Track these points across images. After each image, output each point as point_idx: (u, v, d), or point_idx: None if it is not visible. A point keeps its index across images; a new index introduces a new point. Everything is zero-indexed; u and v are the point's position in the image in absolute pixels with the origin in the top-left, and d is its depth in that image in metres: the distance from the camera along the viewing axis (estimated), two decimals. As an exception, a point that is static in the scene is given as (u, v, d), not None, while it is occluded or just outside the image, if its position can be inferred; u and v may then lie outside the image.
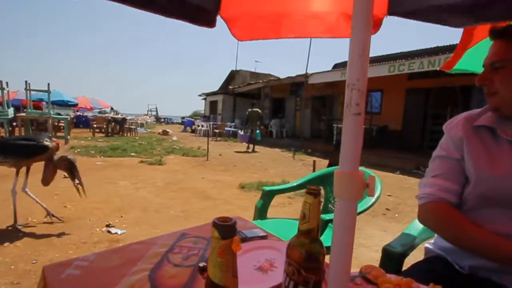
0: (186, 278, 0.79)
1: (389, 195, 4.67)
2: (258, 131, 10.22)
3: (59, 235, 2.56)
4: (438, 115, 9.42)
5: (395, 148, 9.50)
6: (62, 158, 2.62)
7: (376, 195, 1.67)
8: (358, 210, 1.57)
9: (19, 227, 2.65)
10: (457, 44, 1.58)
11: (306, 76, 11.12)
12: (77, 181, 2.62)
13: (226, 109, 19.20)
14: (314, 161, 4.11)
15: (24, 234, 2.54)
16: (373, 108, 11.78)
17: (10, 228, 2.66)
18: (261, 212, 1.97)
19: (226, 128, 15.03)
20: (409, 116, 10.22)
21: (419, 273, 1.01)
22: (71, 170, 2.64)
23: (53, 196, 3.56)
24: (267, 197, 2.02)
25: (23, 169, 2.71)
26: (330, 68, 13.27)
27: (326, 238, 1.49)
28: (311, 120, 14.20)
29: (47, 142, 2.56)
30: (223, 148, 10.31)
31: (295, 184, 2.08)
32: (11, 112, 7.17)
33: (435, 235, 1.08)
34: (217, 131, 14.36)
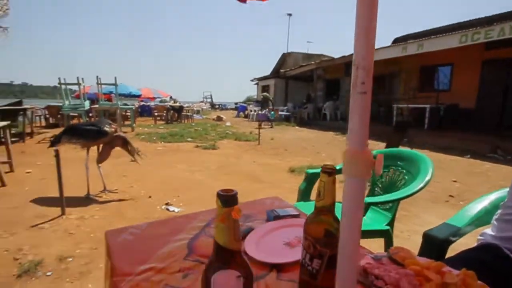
0: (219, 248, 0.87)
1: (454, 181, 4.26)
2: (272, 112, 13.35)
3: (128, 210, 2.94)
4: (523, 90, 8.11)
5: (467, 128, 8.48)
6: (116, 137, 3.07)
7: (426, 179, 1.56)
8: (404, 195, 1.51)
9: (91, 196, 3.22)
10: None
11: (361, 54, 10.44)
12: (137, 151, 3.17)
13: (278, 93, 19.11)
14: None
15: (101, 208, 2.97)
16: (440, 85, 10.61)
17: (85, 196, 3.23)
18: (303, 194, 2.00)
19: (278, 112, 15.02)
20: (485, 92, 8.96)
21: (463, 261, 0.95)
22: (126, 144, 3.13)
23: (122, 177, 4.05)
24: (311, 179, 2.03)
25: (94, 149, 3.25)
26: (389, 44, 12.21)
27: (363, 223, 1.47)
28: (368, 101, 13.37)
29: (107, 128, 3.03)
30: (275, 132, 10.38)
31: (339, 167, 2.04)
32: (87, 104, 8.22)
33: (492, 222, 0.99)
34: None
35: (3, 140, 4.27)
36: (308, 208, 1.83)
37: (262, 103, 13.89)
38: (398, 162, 1.90)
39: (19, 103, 8.73)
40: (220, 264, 0.45)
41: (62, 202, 2.74)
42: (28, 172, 4.18)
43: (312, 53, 20.80)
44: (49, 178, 3.63)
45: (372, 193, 1.98)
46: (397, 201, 1.78)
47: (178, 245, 0.87)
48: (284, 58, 20.97)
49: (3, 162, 3.92)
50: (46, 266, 1.96)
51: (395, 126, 9.18)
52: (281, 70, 18.83)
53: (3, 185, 3.53)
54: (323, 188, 0.64)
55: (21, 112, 6.88)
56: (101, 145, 3.21)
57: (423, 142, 7.67)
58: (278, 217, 1.06)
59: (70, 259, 2.04)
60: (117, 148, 3.23)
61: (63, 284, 1.79)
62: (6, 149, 4.04)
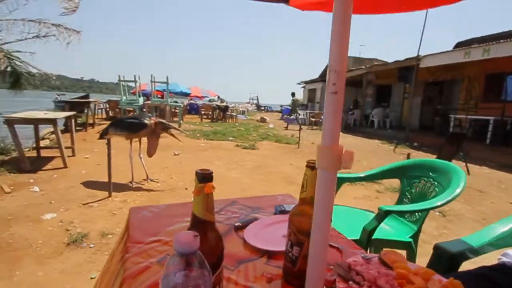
0: (222, 232, 0.95)
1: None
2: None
3: (165, 198, 3.18)
4: None
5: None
6: (155, 124, 3.32)
7: (455, 193, 1.47)
8: (422, 207, 1.45)
9: (134, 184, 3.53)
10: None
11: (417, 59, 9.80)
12: (174, 131, 3.48)
13: (324, 98, 18.74)
14: (408, 154, 3.70)
15: (142, 195, 3.26)
16: (509, 96, 9.48)
17: (129, 183, 3.56)
18: (327, 198, 2.00)
19: (322, 117, 14.72)
20: None
21: (475, 277, 0.91)
22: (166, 127, 3.38)
23: (164, 169, 4.36)
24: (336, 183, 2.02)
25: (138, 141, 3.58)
26: (451, 48, 11.28)
27: (379, 231, 1.44)
28: (421, 110, 12.49)
29: (146, 121, 3.28)
30: (317, 137, 10.22)
31: (366, 174, 2.00)
32: (141, 100, 8.98)
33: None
34: (313, 119, 14.25)
35: (68, 128, 4.89)
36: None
37: (293, 107, 14.23)
38: (430, 173, 1.81)
39: (86, 96, 9.83)
40: (191, 229, 0.53)
41: (110, 186, 3.08)
42: (86, 158, 4.72)
43: (363, 57, 20.03)
44: (103, 164, 4.05)
45: (399, 202, 1.92)
46: (414, 212, 1.71)
47: (185, 225, 0.97)
48: (333, 62, 20.49)
49: (67, 147, 4.49)
50: (90, 239, 2.23)
51: (448, 137, 8.48)
52: (329, 74, 18.40)
53: (65, 166, 4.06)
54: (306, 181, 0.68)
55: (86, 105, 7.76)
56: (144, 138, 3.50)
57: (483, 158, 6.96)
58: (283, 212, 1.11)
59: (111, 236, 2.30)
60: (164, 141, 3.51)
61: (102, 256, 2.03)
62: (71, 136, 4.63)
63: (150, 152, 3.44)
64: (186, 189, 3.53)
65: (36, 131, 4.52)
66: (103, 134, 3.37)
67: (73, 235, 2.23)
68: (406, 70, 12.08)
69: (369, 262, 0.77)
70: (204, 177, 0.53)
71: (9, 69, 5.34)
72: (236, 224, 0.99)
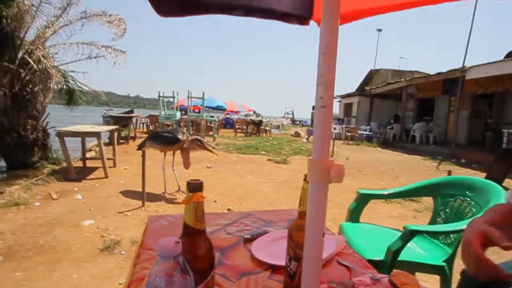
0: (230, 243, 0.97)
1: None
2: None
3: (194, 210, 3.27)
4: None
5: None
6: (191, 140, 3.44)
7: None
8: (453, 228, 1.34)
9: (166, 195, 3.66)
10: None
11: (463, 70, 9.19)
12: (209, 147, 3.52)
13: (362, 112, 18.18)
14: (450, 171, 3.42)
15: (173, 205, 3.38)
16: None
17: (162, 194, 3.71)
18: (352, 215, 1.92)
19: (359, 132, 14.28)
20: None
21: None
22: (201, 143, 3.47)
23: (196, 180, 4.50)
24: (362, 200, 1.94)
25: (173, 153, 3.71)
26: (501, 58, 10.43)
27: (409, 252, 1.35)
28: (468, 124, 11.58)
29: (179, 136, 3.44)
30: (353, 152, 9.91)
31: (393, 191, 1.90)
32: (178, 115, 9.47)
33: None
34: (349, 134, 13.84)
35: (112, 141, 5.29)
36: (353, 229, 1.76)
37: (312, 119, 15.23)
38: (467, 192, 1.67)
39: (130, 111, 10.57)
40: (183, 237, 0.55)
41: (143, 196, 3.24)
42: (125, 169, 5.03)
43: (403, 69, 19.26)
44: (140, 175, 4.31)
45: (432, 222, 1.79)
46: (446, 233, 1.57)
47: (197, 235, 1.00)
48: (371, 75, 19.94)
49: (109, 159, 4.84)
50: (122, 246, 2.35)
51: (499, 153, 7.74)
52: (366, 88, 17.94)
53: (106, 176, 4.36)
54: (303, 195, 0.68)
55: (129, 119, 8.34)
56: (177, 151, 3.65)
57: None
58: (296, 227, 1.09)
59: (140, 243, 2.41)
60: (197, 155, 3.64)
61: (130, 263, 2.13)
62: (113, 148, 4.99)
63: (185, 165, 3.58)
64: (215, 201, 3.60)
65: (83, 143, 4.95)
66: (141, 146, 3.61)
67: (107, 242, 2.38)
68: (451, 82, 11.35)
69: (377, 283, 0.73)
70: (194, 187, 0.55)
71: (64, 87, 5.97)
72: (246, 237, 1.00)
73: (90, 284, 1.88)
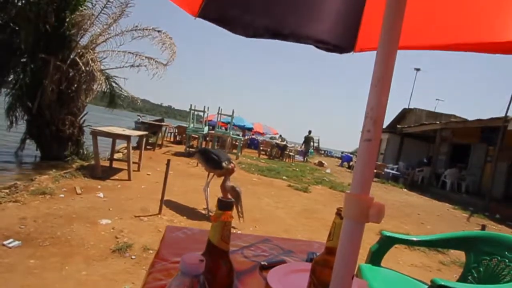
0: (245, 267, 0.93)
1: None
2: (311, 150, 17.42)
3: (208, 227, 3.23)
4: None
5: None
6: (233, 188, 3.29)
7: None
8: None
9: (209, 213, 3.62)
10: None
11: (505, 119, 8.70)
12: (239, 209, 3.27)
13: (390, 149, 17.63)
14: (484, 226, 3.15)
15: (189, 218, 3.38)
16: None
17: (203, 210, 3.74)
18: (373, 257, 1.80)
19: (386, 170, 13.77)
20: None
21: None
22: (237, 199, 3.27)
23: (214, 197, 4.48)
24: (385, 242, 1.82)
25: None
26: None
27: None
28: (507, 177, 10.82)
29: (225, 164, 3.31)
30: (377, 190, 9.54)
31: (422, 238, 1.78)
32: (206, 129, 9.67)
33: None
34: (375, 171, 13.38)
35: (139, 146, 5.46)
36: (374, 274, 1.64)
37: (306, 142, 16.06)
38: (506, 253, 1.52)
39: (161, 120, 10.97)
40: (205, 255, 0.53)
41: (161, 203, 3.27)
42: (148, 174, 5.14)
43: (439, 112, 18.64)
44: (162, 182, 4.37)
45: (463, 280, 1.63)
46: None
47: (212, 253, 0.97)
48: (404, 113, 19.46)
49: (134, 162, 4.97)
50: (133, 250, 2.35)
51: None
52: (398, 126, 17.47)
53: (129, 179, 4.47)
54: (334, 229, 0.64)
55: (159, 127, 8.63)
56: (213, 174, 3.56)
57: None
58: (312, 259, 1.03)
59: (152, 251, 2.39)
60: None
61: (139, 269, 2.11)
62: (139, 153, 5.14)
63: (223, 191, 3.41)
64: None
65: (113, 144, 5.15)
66: (191, 155, 3.72)
67: (119, 243, 2.39)
68: (491, 131, 10.79)
69: None
70: (224, 205, 0.53)
71: (107, 90, 6.35)
72: (262, 263, 0.95)
73: (97, 284, 1.87)
